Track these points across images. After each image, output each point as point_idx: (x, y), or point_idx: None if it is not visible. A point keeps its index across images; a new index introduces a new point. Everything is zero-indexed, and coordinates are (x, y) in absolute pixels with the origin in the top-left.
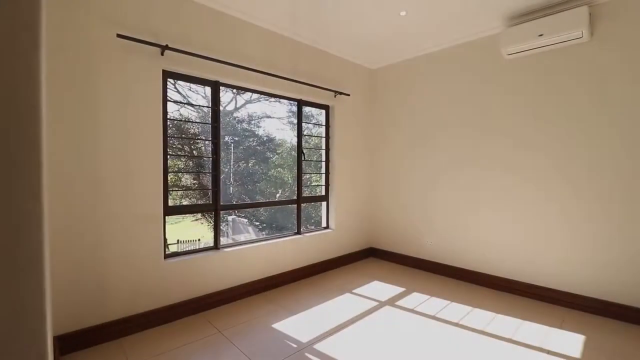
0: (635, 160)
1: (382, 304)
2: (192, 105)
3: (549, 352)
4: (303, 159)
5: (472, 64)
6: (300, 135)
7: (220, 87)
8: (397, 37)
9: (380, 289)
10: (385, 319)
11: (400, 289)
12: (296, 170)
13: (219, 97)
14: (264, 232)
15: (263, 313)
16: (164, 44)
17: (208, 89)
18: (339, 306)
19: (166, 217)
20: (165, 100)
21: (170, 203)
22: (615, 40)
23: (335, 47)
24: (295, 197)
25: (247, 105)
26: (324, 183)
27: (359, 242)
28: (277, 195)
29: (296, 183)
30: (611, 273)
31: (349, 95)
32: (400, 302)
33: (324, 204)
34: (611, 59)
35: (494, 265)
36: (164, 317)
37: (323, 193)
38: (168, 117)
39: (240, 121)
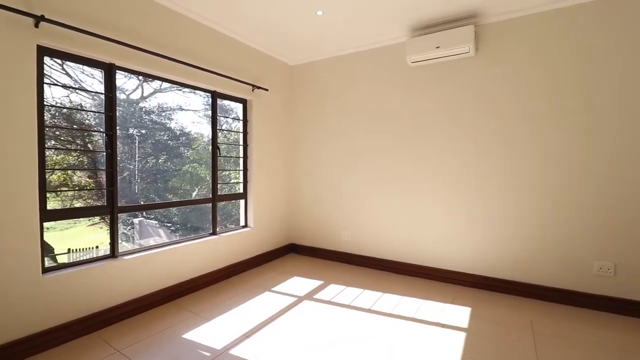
0: (512, 160)
1: (301, 299)
2: (83, 90)
3: (443, 325)
4: (219, 154)
5: (383, 68)
6: (215, 129)
7: (119, 72)
8: (315, 36)
9: (299, 284)
10: (304, 314)
11: (319, 282)
12: (212, 167)
13: (115, 83)
14: (177, 234)
15: (173, 323)
16: (39, 14)
17: (102, 73)
18: (258, 306)
19: (45, 224)
20: (41, 82)
21: (56, 206)
22: (495, 56)
23: (254, 39)
24: (210, 196)
25: (157, 95)
26: (242, 180)
27: (279, 239)
28: (194, 193)
29: (212, 180)
30: (492, 254)
31: (267, 90)
32: (318, 295)
33: (242, 201)
34: (493, 72)
35: (400, 253)
36: (47, 341)
37: (241, 190)
38: (48, 103)
39: (149, 112)
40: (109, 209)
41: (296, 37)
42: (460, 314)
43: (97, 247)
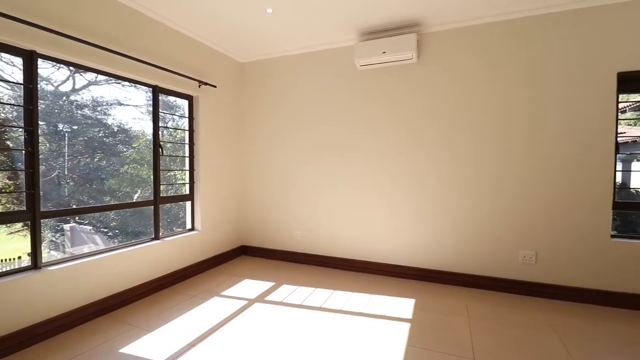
0: (451, 161)
1: (251, 302)
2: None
3: (389, 318)
4: (161, 153)
5: (334, 69)
6: (157, 126)
7: (45, 61)
8: (266, 33)
9: (251, 287)
10: (255, 317)
11: (271, 284)
12: (153, 167)
13: (36, 72)
14: (115, 241)
15: (109, 337)
16: None
17: (21, 61)
18: (205, 312)
19: None
20: None
21: None
22: (435, 64)
23: (201, 34)
24: (152, 198)
25: (92, 88)
26: (188, 181)
27: (230, 242)
28: (135, 195)
29: (153, 181)
30: (434, 248)
31: (215, 86)
32: (269, 297)
33: (188, 203)
34: (433, 78)
35: (350, 250)
36: None
37: (187, 192)
38: None
39: (81, 106)
40: (30, 214)
41: (246, 33)
42: (405, 305)
43: (19, 257)
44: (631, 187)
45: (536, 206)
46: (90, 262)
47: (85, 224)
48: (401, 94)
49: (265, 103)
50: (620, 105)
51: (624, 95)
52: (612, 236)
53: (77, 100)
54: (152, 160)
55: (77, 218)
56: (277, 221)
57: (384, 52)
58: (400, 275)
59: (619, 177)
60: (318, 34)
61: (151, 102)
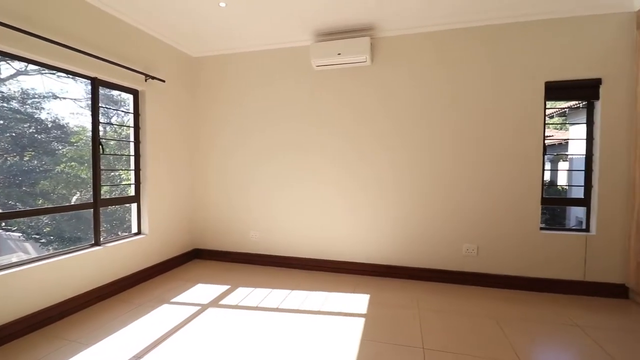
0: (408, 160)
1: (205, 307)
2: None
3: (346, 314)
4: (102, 152)
5: (291, 68)
6: (96, 122)
7: None
8: (219, 28)
9: (204, 291)
10: (208, 322)
11: (226, 287)
12: (92, 167)
13: None
14: (50, 248)
15: (40, 356)
16: None
17: None
18: (153, 322)
19: None
20: None
21: None
22: (388, 66)
23: (147, 24)
24: (92, 200)
25: (21, 78)
26: (134, 181)
27: (181, 245)
28: (74, 198)
29: (93, 182)
30: (387, 244)
31: (164, 81)
32: (224, 301)
33: (134, 205)
34: (387, 80)
35: (307, 249)
36: None
37: (133, 193)
38: None
39: (7, 98)
40: None
41: (198, 27)
42: (360, 301)
43: None
44: (558, 184)
45: (478, 204)
46: (19, 272)
47: (13, 231)
48: (357, 94)
49: (220, 100)
50: (550, 112)
51: (552, 102)
52: (541, 228)
53: (2, 92)
54: (92, 159)
55: (3, 224)
56: (232, 222)
57: (339, 54)
58: (357, 272)
59: (547, 176)
60: (274, 32)
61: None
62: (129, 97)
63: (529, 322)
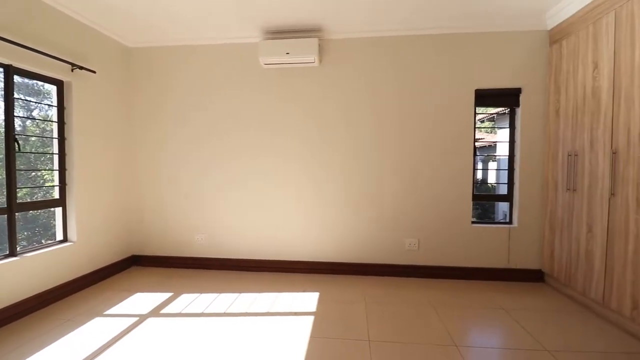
0: (356, 160)
1: (143, 318)
2: None
3: (295, 313)
4: (17, 150)
5: (238, 65)
6: (10, 116)
7: None
8: (159, 17)
9: (143, 300)
10: (147, 334)
11: (168, 295)
12: (6, 167)
13: None
14: None
15: None
16: None
17: None
18: (83, 337)
19: None
20: None
21: None
22: (336, 68)
23: (74, 7)
24: (5, 205)
25: None
26: (58, 183)
27: (117, 252)
28: None
29: (7, 185)
30: (337, 241)
31: (94, 72)
32: (166, 310)
33: (58, 210)
34: (336, 82)
35: (256, 250)
36: None
37: (57, 196)
38: None
39: None
40: None
41: (134, 14)
42: (310, 299)
43: None
44: (489, 182)
45: (419, 201)
46: None
47: None
48: (307, 95)
49: (160, 94)
50: (481, 116)
51: (484, 107)
52: (473, 222)
53: None
54: (5, 158)
55: None
56: (175, 225)
57: (288, 53)
58: (307, 271)
59: (480, 175)
60: (219, 26)
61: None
62: (53, 89)
63: (462, 308)
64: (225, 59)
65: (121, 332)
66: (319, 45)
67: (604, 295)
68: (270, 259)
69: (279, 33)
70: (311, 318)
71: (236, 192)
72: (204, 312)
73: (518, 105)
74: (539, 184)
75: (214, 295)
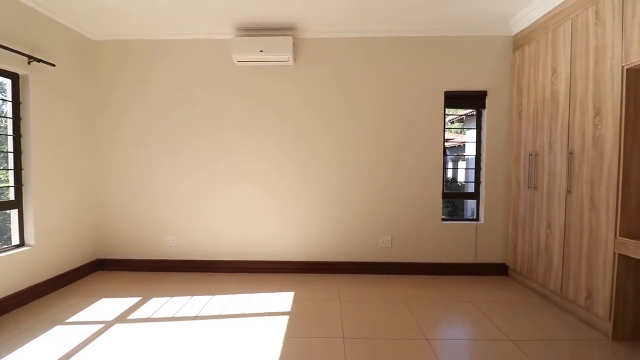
0: (334, 159)
1: (110, 324)
2: None
3: (270, 313)
4: None
5: (210, 62)
6: None
7: None
8: (125, 9)
9: (109, 306)
10: (114, 341)
11: (136, 300)
12: None
13: None
14: None
15: None
16: None
17: None
18: (42, 348)
19: None
20: None
21: None
22: (308, 68)
23: None
24: None
25: None
26: (13, 183)
27: (80, 256)
28: None
29: None
30: (311, 241)
31: (54, 65)
32: (134, 315)
33: (14, 212)
34: (310, 81)
35: (230, 251)
36: None
37: (12, 197)
38: None
39: None
40: None
41: (97, 4)
42: (285, 299)
43: None
44: (458, 180)
45: (393, 200)
46: None
47: None
48: (281, 93)
49: (124, 90)
50: (451, 117)
51: (453, 109)
52: (443, 219)
53: None
54: None
55: None
56: (143, 226)
57: (261, 51)
58: (282, 270)
59: (450, 174)
60: (190, 21)
61: None
62: (8, 82)
63: (433, 302)
64: (197, 55)
65: (84, 341)
66: (294, 44)
67: (562, 286)
68: (245, 259)
69: (253, 30)
70: (286, 318)
71: (208, 192)
72: (175, 316)
73: (484, 107)
74: (503, 182)
75: (186, 298)
